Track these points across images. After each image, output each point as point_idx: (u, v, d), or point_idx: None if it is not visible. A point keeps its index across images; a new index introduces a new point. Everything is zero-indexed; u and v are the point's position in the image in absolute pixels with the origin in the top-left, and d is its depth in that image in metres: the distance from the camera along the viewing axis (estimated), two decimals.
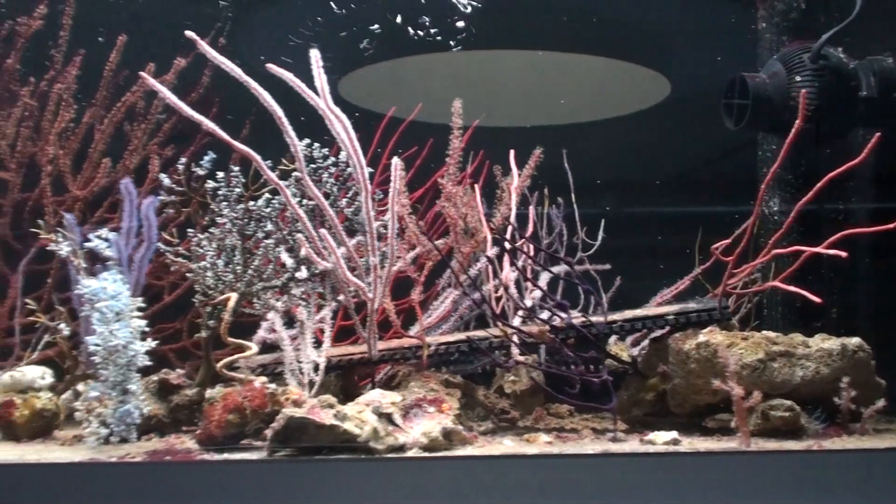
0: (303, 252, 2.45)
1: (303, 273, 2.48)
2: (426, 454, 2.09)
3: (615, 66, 3.44)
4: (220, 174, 2.51)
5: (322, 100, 2.23)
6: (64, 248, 2.26)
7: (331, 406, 2.09)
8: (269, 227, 2.49)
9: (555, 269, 2.85)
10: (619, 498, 1.98)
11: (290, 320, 2.53)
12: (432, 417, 2.18)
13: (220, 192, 2.51)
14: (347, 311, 2.57)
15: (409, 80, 3.23)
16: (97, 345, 2.13)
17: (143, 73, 2.23)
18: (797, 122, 2.27)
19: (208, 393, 2.38)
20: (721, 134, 3.01)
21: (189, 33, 2.20)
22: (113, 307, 2.09)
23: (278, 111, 2.28)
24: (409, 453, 2.10)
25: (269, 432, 2.07)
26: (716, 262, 2.72)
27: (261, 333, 2.58)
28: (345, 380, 2.59)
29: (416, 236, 2.68)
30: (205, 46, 2.21)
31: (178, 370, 2.51)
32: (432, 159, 2.81)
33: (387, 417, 2.12)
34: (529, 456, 2.10)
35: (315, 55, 2.20)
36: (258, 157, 2.30)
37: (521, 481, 1.99)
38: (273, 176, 2.32)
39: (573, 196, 3.22)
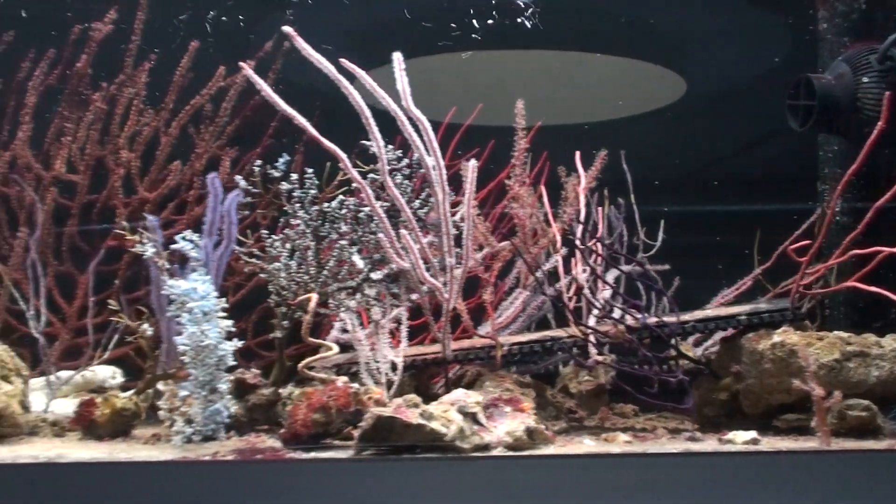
0: (377, 253, 2.47)
1: (377, 273, 2.50)
2: (513, 453, 2.11)
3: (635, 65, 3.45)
4: (294, 176, 2.54)
5: (403, 101, 2.25)
6: (149, 250, 2.28)
7: (416, 405, 2.11)
8: (344, 228, 2.51)
9: (618, 270, 2.86)
10: (704, 497, 1.99)
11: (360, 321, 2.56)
12: (514, 417, 2.19)
13: (294, 194, 2.53)
14: (415, 312, 2.59)
15: (426, 80, 3.23)
16: (185, 344, 2.16)
17: (243, 64, 2.25)
18: (880, 123, 2.28)
19: (285, 392, 2.41)
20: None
21: (286, 28, 2.22)
22: (203, 307, 2.11)
23: (366, 111, 2.30)
24: (494, 452, 2.12)
25: (356, 431, 2.09)
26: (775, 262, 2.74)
27: (334, 334, 2.60)
28: (418, 379, 2.61)
29: (485, 237, 2.70)
30: (301, 43, 2.23)
31: (254, 370, 2.53)
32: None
33: (472, 417, 2.14)
34: (618, 455, 2.12)
35: (398, 57, 2.23)
36: (344, 156, 2.32)
37: (607, 480, 2.01)
38: (356, 175, 2.34)
39: (632, 196, 3.24)
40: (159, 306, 2.49)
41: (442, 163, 2.36)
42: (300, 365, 2.33)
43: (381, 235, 2.39)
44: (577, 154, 2.82)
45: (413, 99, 2.30)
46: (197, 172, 3.07)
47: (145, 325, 2.37)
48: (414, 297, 2.55)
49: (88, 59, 3.00)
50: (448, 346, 2.51)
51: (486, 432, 2.14)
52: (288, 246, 2.55)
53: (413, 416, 2.07)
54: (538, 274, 2.65)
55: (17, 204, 3.08)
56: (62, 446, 2.32)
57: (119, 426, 2.47)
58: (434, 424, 2.07)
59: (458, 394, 2.19)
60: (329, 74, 2.27)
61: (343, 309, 2.53)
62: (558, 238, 2.68)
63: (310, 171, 2.56)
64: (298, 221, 2.55)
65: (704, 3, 3.41)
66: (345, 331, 2.59)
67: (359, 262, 2.54)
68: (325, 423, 2.19)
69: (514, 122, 2.68)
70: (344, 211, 2.50)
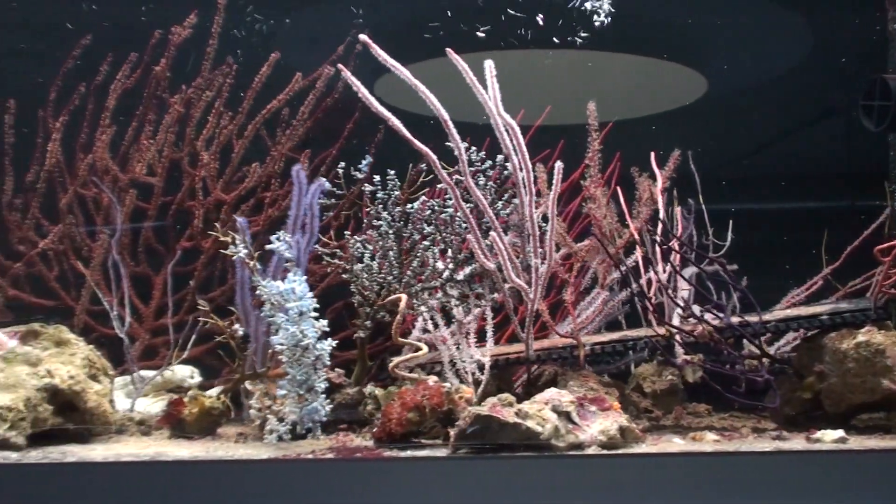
0: (461, 254, 2.50)
1: (460, 274, 2.52)
2: (609, 451, 2.13)
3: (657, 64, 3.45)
4: (377, 177, 2.57)
5: (493, 106, 2.28)
6: (241, 251, 2.31)
7: (510, 404, 2.13)
8: (428, 229, 2.54)
9: (690, 270, 2.87)
10: (796, 494, 2.00)
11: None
12: (606, 416, 2.21)
13: (378, 195, 2.56)
14: (494, 311, 2.61)
15: (447, 80, 3.25)
16: (282, 344, 2.18)
17: (341, 66, 2.28)
18: None
19: (372, 391, 2.44)
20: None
21: (362, 36, 2.25)
22: (301, 307, 2.14)
23: (444, 115, 2.33)
24: (589, 450, 2.13)
25: (453, 430, 2.11)
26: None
27: (416, 333, 2.63)
28: (500, 379, 2.63)
29: (563, 237, 2.72)
30: (377, 49, 2.26)
31: (338, 369, 2.56)
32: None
33: (566, 415, 2.15)
34: (714, 454, 2.13)
35: (489, 64, 2.25)
36: (434, 157, 2.35)
37: (702, 478, 2.02)
38: (446, 176, 2.37)
39: (700, 196, 3.24)
40: (244, 306, 2.51)
41: (529, 165, 2.38)
42: (391, 364, 2.36)
43: (469, 236, 2.41)
44: (653, 154, 2.83)
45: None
46: (272, 174, 3.10)
47: (236, 326, 2.40)
48: (495, 296, 2.57)
49: (168, 63, 3.03)
50: (531, 345, 2.53)
51: (580, 431, 2.15)
52: (370, 247, 2.58)
53: (509, 415, 2.09)
54: (625, 272, 2.66)
55: (94, 206, 3.12)
56: (157, 445, 2.35)
57: (207, 425, 2.50)
58: (530, 423, 2.09)
59: (551, 392, 2.21)
60: (407, 81, 2.29)
61: (427, 309, 2.55)
62: (636, 238, 2.69)
63: (391, 172, 2.58)
64: (381, 222, 2.57)
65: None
66: (426, 330, 2.62)
67: (439, 262, 2.57)
68: (419, 421, 2.21)
69: (589, 124, 2.70)
70: (428, 212, 2.52)
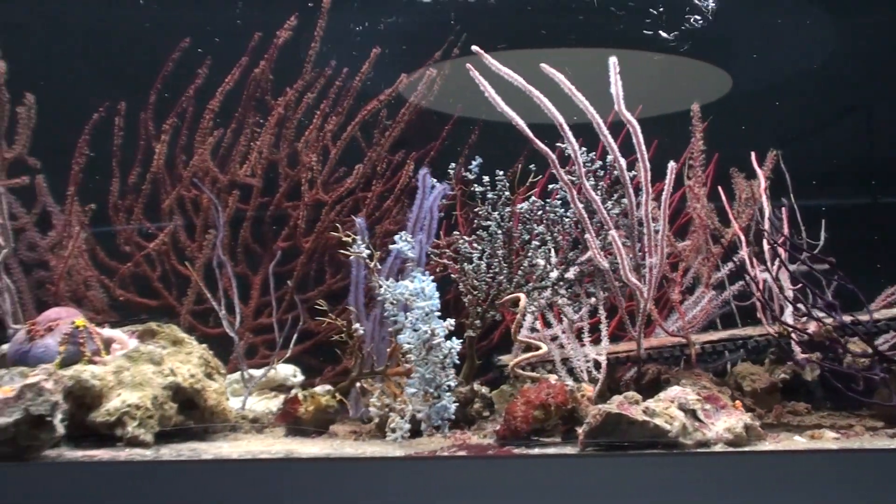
0: (571, 253, 2.52)
1: (570, 273, 2.54)
2: (735, 449, 2.14)
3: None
4: (486, 178, 2.59)
5: (616, 105, 2.30)
6: (364, 252, 2.34)
7: (637, 402, 2.15)
8: (539, 228, 2.56)
9: (792, 269, 2.88)
10: None
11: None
12: (730, 414, 2.22)
13: (488, 196, 2.59)
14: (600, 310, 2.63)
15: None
16: (409, 343, 2.21)
17: (469, 66, 2.30)
18: None
19: (479, 389, 2.47)
20: None
21: (475, 48, 2.28)
22: (430, 307, 2.17)
23: (559, 118, 2.35)
24: (715, 448, 2.15)
25: (583, 427, 2.13)
26: None
27: (524, 332, 2.65)
28: (609, 377, 2.65)
29: (668, 237, 2.73)
30: (488, 58, 2.29)
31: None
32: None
33: (692, 413, 2.17)
34: (849, 451, 2.14)
35: (613, 61, 2.27)
36: (553, 157, 2.37)
37: (823, 475, 2.03)
38: (564, 176, 2.39)
39: (791, 195, 3.25)
40: (358, 306, 2.54)
41: (648, 165, 2.39)
42: (512, 363, 2.38)
43: (585, 236, 2.43)
44: (753, 154, 2.84)
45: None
46: (366, 176, 3.13)
47: (357, 325, 2.43)
48: (603, 295, 2.59)
49: (269, 66, 3.07)
50: (642, 343, 2.55)
51: (706, 429, 2.17)
52: (479, 247, 2.60)
53: (637, 413, 2.11)
54: (742, 272, 2.67)
55: (193, 207, 3.17)
56: (281, 442, 2.39)
57: (322, 422, 2.53)
58: (658, 421, 2.11)
59: (677, 390, 2.22)
60: (521, 87, 2.31)
61: (538, 308, 2.57)
62: (740, 237, 2.70)
63: (500, 173, 2.60)
64: (490, 222, 2.60)
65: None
66: (534, 329, 2.64)
67: (540, 261, 2.59)
68: (544, 419, 2.24)
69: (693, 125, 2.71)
70: (540, 213, 2.55)
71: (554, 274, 2.57)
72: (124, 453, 2.15)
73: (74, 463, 2.05)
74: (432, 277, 2.29)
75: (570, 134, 2.37)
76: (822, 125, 3.55)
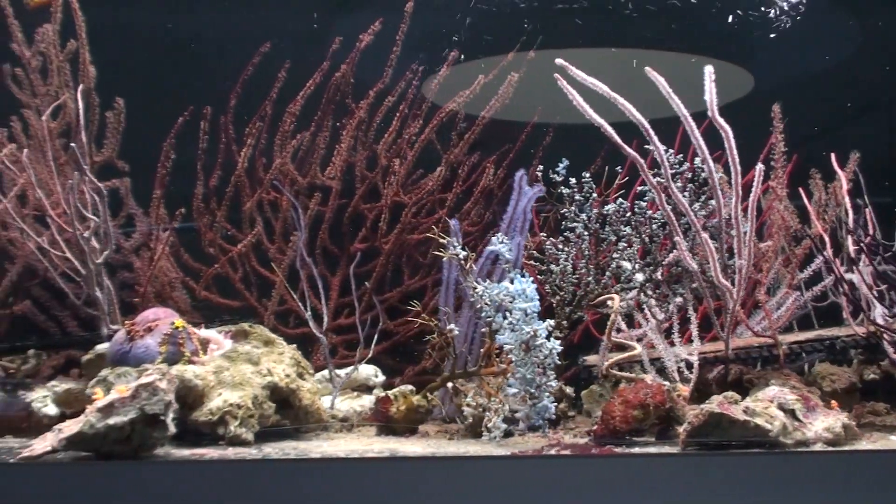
0: (659, 255, 2.54)
1: (658, 275, 2.57)
2: (836, 448, 2.16)
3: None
4: (573, 180, 2.62)
5: (709, 111, 2.31)
6: (460, 253, 2.37)
7: (736, 402, 2.17)
8: (626, 230, 2.58)
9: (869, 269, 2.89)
10: None
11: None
12: (827, 413, 2.24)
13: (575, 198, 2.62)
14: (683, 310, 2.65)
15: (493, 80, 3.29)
16: (509, 343, 2.24)
17: (560, 67, 2.32)
18: None
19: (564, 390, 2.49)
20: None
21: (559, 61, 2.31)
22: (531, 308, 2.20)
23: (644, 122, 2.37)
24: (814, 448, 2.16)
25: (684, 427, 2.15)
26: None
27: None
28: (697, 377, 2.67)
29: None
30: (575, 71, 2.32)
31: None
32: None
33: (791, 413, 2.19)
34: None
35: (708, 70, 2.29)
36: (641, 161, 2.39)
37: None
38: (651, 178, 2.41)
39: (866, 196, 3.24)
40: (448, 306, 2.58)
41: (739, 168, 2.41)
42: (606, 364, 2.41)
43: (676, 238, 2.45)
44: (833, 156, 2.85)
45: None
46: (439, 178, 3.17)
47: (451, 325, 2.46)
48: (689, 296, 2.61)
49: (351, 69, 3.11)
50: (729, 344, 2.57)
51: (805, 428, 2.18)
52: (566, 248, 2.63)
53: (738, 413, 2.13)
54: (833, 272, 2.68)
55: (271, 210, 3.21)
56: (379, 441, 2.42)
57: (413, 422, 2.56)
58: (758, 420, 2.13)
59: (775, 390, 2.24)
60: (602, 92, 2.34)
61: (627, 308, 2.59)
62: (824, 237, 2.71)
63: (587, 175, 2.63)
64: (577, 224, 2.62)
65: None
66: (619, 330, 2.66)
67: (627, 265, 2.61)
68: (643, 419, 2.26)
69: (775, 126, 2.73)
70: (628, 214, 2.57)
71: (639, 276, 2.59)
72: (231, 452, 2.19)
73: (187, 461, 2.09)
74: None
75: (654, 137, 2.39)
76: (844, 123, 3.54)
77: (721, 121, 2.35)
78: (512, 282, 2.26)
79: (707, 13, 3.39)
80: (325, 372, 2.92)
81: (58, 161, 2.85)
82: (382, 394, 2.61)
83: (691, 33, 3.39)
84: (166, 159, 3.05)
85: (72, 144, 2.59)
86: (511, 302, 2.27)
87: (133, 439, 2.02)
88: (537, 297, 2.23)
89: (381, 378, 3.00)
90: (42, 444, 2.03)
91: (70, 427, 2.02)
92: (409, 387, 2.75)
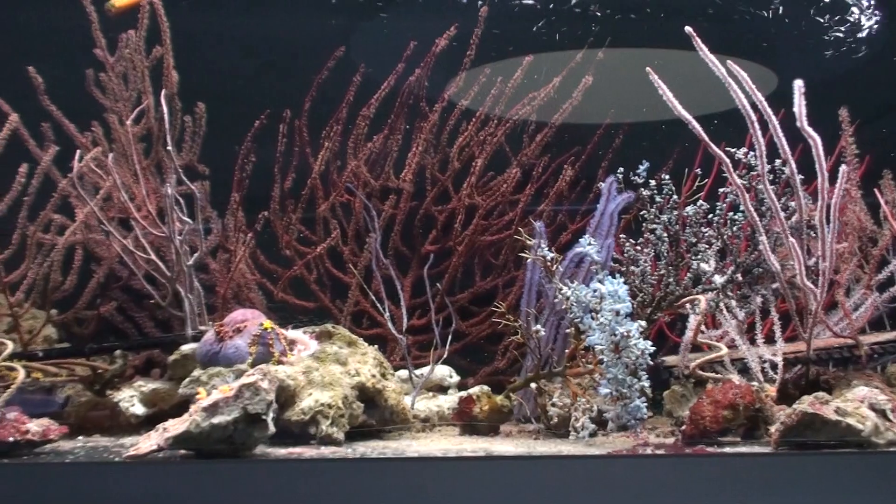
0: (742, 255, 2.55)
1: (739, 276, 2.58)
2: None
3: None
4: (653, 182, 2.64)
5: (798, 121, 2.32)
6: (548, 255, 2.40)
7: (827, 402, 2.18)
8: (709, 232, 2.60)
9: None
10: None
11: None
12: None
13: (655, 199, 2.64)
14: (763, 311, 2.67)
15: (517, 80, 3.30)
16: (600, 344, 2.27)
17: (649, 70, 2.34)
18: None
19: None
20: None
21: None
22: (625, 309, 2.23)
23: (753, 116, 2.38)
24: None
25: (776, 427, 2.16)
26: None
27: (689, 334, 2.69)
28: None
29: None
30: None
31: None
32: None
33: (882, 413, 2.19)
34: None
35: (798, 85, 2.30)
36: (728, 161, 2.41)
37: None
38: (737, 180, 2.43)
39: None
40: (529, 307, 2.60)
41: (826, 173, 2.42)
42: (693, 364, 2.43)
43: (761, 239, 2.46)
44: None
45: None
46: (512, 179, 3.20)
47: (538, 327, 2.49)
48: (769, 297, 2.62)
49: (425, 73, 3.15)
50: (811, 345, 2.58)
51: None
52: (647, 250, 2.65)
53: (829, 413, 2.14)
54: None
55: (343, 212, 3.25)
56: (469, 441, 2.45)
57: (495, 422, 2.59)
58: (850, 421, 2.13)
59: (865, 390, 2.25)
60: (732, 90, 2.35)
61: (710, 309, 2.61)
62: None
63: (666, 177, 2.65)
64: (656, 226, 2.65)
65: None
66: (701, 331, 2.68)
67: (706, 267, 2.63)
68: (732, 419, 2.28)
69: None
70: (710, 215, 2.59)
71: (718, 277, 2.61)
72: (328, 451, 2.22)
73: (290, 460, 2.13)
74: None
75: (761, 138, 2.40)
76: (869, 121, 3.53)
77: (809, 130, 2.36)
78: (601, 283, 2.28)
79: (730, 11, 3.40)
80: (401, 372, 2.95)
81: (141, 164, 2.91)
82: (465, 394, 2.64)
83: (713, 32, 3.39)
84: (245, 162, 3.09)
85: (168, 148, 2.63)
86: (599, 303, 2.29)
87: (235, 438, 2.05)
88: (629, 298, 2.25)
89: (456, 378, 3.02)
90: (147, 443, 2.06)
91: (176, 426, 2.06)
92: (485, 387, 2.78)
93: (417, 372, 2.90)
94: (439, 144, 3.22)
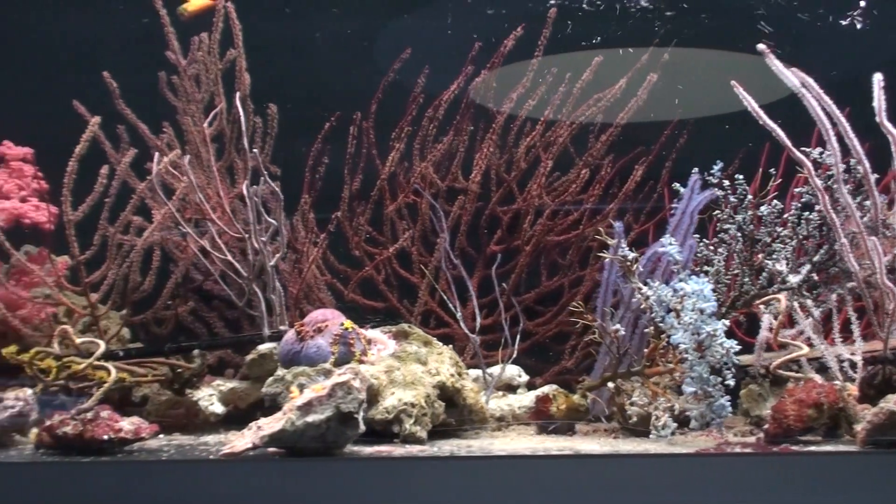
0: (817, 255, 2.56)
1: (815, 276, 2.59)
2: None
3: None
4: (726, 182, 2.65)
5: (877, 116, 2.33)
6: (629, 254, 2.42)
7: None
8: (784, 231, 2.62)
9: None
10: None
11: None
12: None
13: (730, 199, 2.65)
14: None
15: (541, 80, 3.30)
16: (684, 343, 2.28)
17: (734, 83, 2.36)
18: None
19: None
20: None
21: (760, 46, 2.34)
22: (710, 308, 2.24)
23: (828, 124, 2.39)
24: None
25: (863, 426, 2.17)
26: None
27: (763, 333, 2.69)
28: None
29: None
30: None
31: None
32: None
33: None
34: None
35: (877, 78, 2.31)
36: (810, 165, 2.42)
37: None
38: (817, 182, 2.44)
39: None
40: (605, 307, 2.62)
41: None
42: (774, 364, 2.44)
43: (842, 240, 2.47)
44: None
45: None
46: (581, 180, 3.22)
47: (618, 325, 2.50)
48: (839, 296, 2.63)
49: (493, 74, 3.17)
50: (887, 344, 2.58)
51: None
52: (720, 250, 2.67)
53: None
54: None
55: (409, 213, 3.28)
56: (549, 440, 2.47)
57: (572, 421, 2.61)
58: None
59: None
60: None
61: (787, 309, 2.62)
62: None
63: (740, 177, 2.66)
64: (730, 225, 2.66)
65: None
66: (771, 329, 2.68)
67: (780, 266, 2.64)
68: (816, 418, 2.29)
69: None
70: (786, 215, 2.60)
71: (793, 277, 2.61)
72: (416, 449, 2.25)
73: (381, 458, 2.15)
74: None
75: (834, 139, 2.41)
76: None
77: (889, 126, 2.37)
78: (683, 282, 2.30)
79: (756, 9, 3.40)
80: (472, 371, 2.97)
81: (213, 166, 2.95)
82: (541, 393, 2.67)
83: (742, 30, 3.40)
84: (316, 164, 3.13)
85: (254, 151, 2.67)
86: (681, 302, 2.30)
87: (327, 437, 2.08)
88: (713, 297, 2.27)
89: (525, 378, 3.04)
90: (242, 441, 2.10)
91: (271, 425, 2.09)
92: (554, 386, 2.80)
93: (488, 371, 2.92)
94: (505, 145, 3.23)
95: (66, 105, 3.02)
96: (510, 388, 3.03)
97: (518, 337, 2.92)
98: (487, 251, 3.28)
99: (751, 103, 2.36)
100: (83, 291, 2.75)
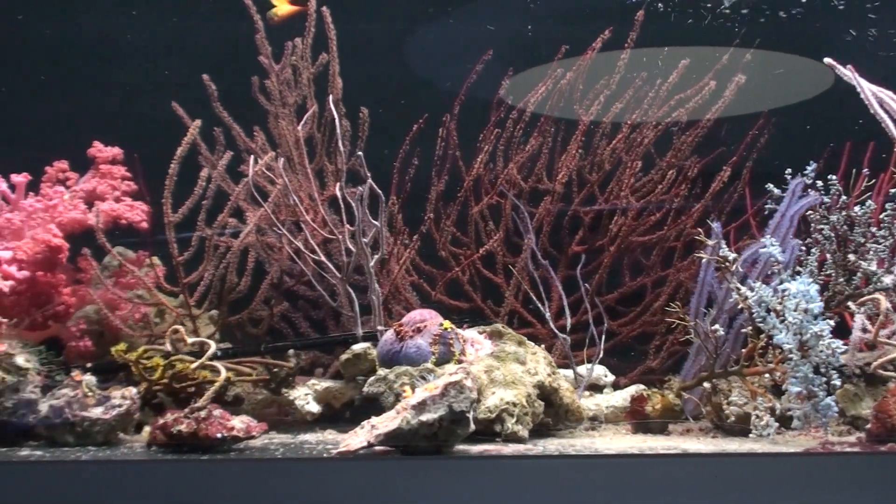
0: None
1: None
2: None
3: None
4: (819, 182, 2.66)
5: None
6: (729, 255, 2.43)
7: None
8: (880, 232, 2.62)
9: None
10: None
11: None
12: None
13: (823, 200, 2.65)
14: None
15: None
16: (787, 344, 2.29)
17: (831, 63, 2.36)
18: None
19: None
20: None
21: (828, 60, 2.35)
22: (815, 308, 2.26)
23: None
24: None
25: None
26: None
27: (856, 334, 2.70)
28: None
29: None
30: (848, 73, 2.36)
31: None
32: None
33: None
34: None
35: None
36: None
37: None
38: None
39: None
40: (699, 307, 2.64)
41: None
42: (874, 364, 2.45)
43: None
44: None
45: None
46: (669, 181, 3.24)
47: (716, 326, 2.52)
48: None
49: (580, 77, 3.20)
50: None
51: None
52: (814, 250, 2.68)
53: None
54: None
55: (491, 214, 3.31)
56: (648, 439, 2.50)
57: (667, 420, 2.63)
58: None
59: None
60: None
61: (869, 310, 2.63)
62: None
63: (833, 177, 2.67)
64: (823, 226, 2.66)
65: None
66: (865, 331, 2.69)
67: (873, 267, 2.64)
68: None
69: None
70: (883, 215, 2.61)
71: (888, 278, 2.62)
72: (522, 448, 2.28)
73: (491, 457, 2.18)
74: None
75: None
76: None
77: None
78: (786, 283, 2.32)
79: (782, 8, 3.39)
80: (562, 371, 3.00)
81: (307, 168, 3.00)
82: (636, 392, 2.69)
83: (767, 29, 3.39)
84: (405, 165, 3.17)
85: (358, 153, 2.72)
86: (782, 303, 2.32)
87: (439, 435, 2.12)
88: (819, 297, 2.28)
89: (611, 377, 3.06)
90: (357, 440, 2.14)
91: (385, 423, 2.13)
92: (640, 385, 2.82)
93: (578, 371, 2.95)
94: (590, 146, 3.26)
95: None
96: (596, 387, 3.05)
97: (603, 336, 2.95)
98: (569, 251, 3.30)
99: (862, 87, 2.37)
100: (182, 292, 2.81)
